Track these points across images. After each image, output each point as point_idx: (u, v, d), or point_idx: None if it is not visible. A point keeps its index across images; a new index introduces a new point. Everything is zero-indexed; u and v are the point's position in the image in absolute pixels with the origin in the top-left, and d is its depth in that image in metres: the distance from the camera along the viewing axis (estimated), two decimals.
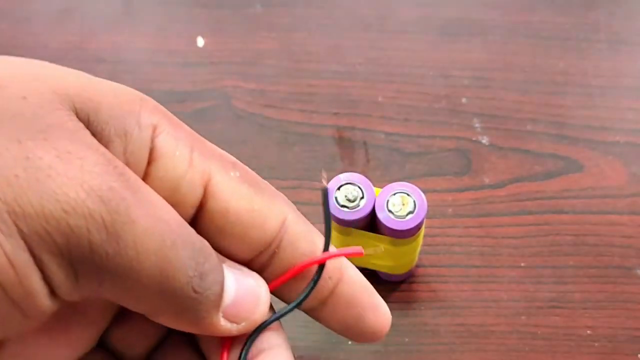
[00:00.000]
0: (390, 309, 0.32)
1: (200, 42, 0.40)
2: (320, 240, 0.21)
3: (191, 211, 0.19)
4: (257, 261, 0.20)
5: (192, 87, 0.38)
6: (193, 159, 0.19)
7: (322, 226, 0.20)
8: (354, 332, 0.22)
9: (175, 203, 0.18)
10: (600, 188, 0.34)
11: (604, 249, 0.33)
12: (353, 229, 0.28)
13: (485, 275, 0.32)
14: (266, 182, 0.21)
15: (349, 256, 0.21)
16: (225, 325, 0.19)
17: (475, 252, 0.33)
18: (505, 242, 0.33)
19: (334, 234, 0.29)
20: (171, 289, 0.17)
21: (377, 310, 0.22)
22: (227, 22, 0.41)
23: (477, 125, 0.37)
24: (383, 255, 0.29)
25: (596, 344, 0.31)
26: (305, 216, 0.34)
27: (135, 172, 0.18)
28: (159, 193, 0.18)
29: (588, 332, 0.31)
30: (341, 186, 0.28)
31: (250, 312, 0.19)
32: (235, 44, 0.40)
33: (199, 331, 0.19)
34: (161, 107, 0.19)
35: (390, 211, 0.27)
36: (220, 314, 0.19)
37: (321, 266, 0.20)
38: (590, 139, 0.36)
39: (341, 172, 0.28)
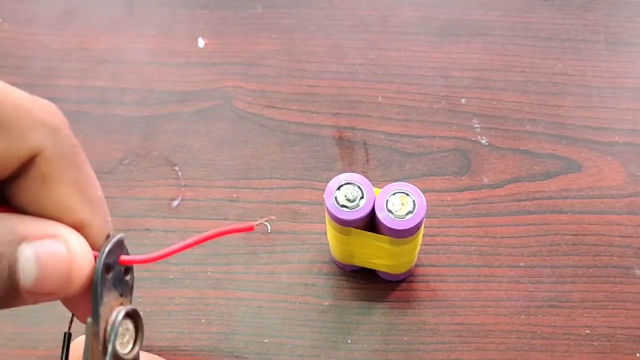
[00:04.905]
0: (390, 308, 0.32)
1: (202, 42, 0.40)
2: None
3: None
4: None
5: (194, 87, 0.39)
6: None
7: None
8: None
9: None
10: (598, 188, 0.35)
11: (602, 248, 0.33)
12: (353, 229, 0.28)
13: (485, 275, 0.32)
14: None
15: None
16: (37, 299, 0.17)
17: (475, 251, 0.33)
18: (504, 242, 0.33)
19: (334, 233, 0.29)
20: None
21: None
22: (228, 23, 0.41)
23: (476, 125, 0.37)
24: (383, 254, 0.30)
25: (595, 343, 0.31)
26: (305, 216, 0.34)
27: None
28: None
29: (587, 331, 0.31)
30: (341, 186, 0.28)
31: (62, 283, 0.17)
32: (236, 44, 0.40)
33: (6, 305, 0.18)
34: None
35: (389, 211, 0.27)
36: (23, 295, 0.17)
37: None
38: (589, 139, 0.36)
39: (341, 172, 0.28)
